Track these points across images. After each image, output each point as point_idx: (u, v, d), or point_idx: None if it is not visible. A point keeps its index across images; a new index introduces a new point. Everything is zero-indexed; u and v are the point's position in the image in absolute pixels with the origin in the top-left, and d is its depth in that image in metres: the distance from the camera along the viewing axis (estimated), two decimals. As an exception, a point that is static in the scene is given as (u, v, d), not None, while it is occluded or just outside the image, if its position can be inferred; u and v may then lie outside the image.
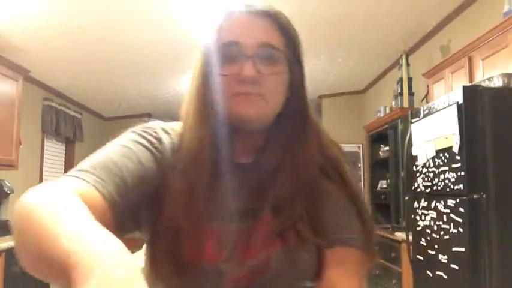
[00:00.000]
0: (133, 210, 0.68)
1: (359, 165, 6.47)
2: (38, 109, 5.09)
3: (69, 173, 0.66)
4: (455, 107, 2.26)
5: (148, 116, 7.17)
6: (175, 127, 0.80)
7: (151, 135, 0.76)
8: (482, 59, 2.71)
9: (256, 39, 0.73)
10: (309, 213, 0.74)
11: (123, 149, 0.71)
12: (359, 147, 6.45)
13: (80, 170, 0.66)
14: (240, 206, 0.74)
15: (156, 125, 0.80)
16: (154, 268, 0.55)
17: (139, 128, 0.78)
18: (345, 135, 6.49)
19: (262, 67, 0.72)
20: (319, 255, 0.75)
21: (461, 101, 2.24)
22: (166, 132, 0.78)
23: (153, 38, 4.01)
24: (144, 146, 0.73)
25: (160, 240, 0.70)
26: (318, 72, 5.31)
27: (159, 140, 0.75)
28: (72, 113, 5.84)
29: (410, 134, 2.85)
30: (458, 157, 2.24)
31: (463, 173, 2.21)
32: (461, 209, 2.21)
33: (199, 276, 0.70)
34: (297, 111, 0.78)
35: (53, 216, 0.50)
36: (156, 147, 0.74)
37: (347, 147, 6.48)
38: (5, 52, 3.87)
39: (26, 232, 0.53)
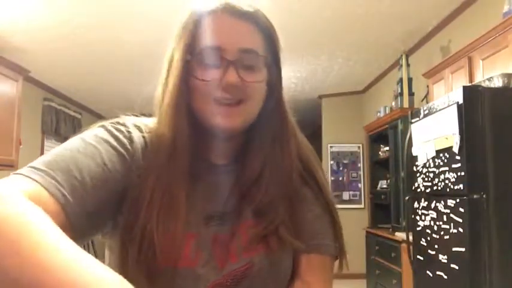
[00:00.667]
0: (94, 214, 0.62)
1: (359, 165, 6.47)
2: (38, 109, 5.09)
3: (22, 170, 0.60)
4: (455, 107, 2.26)
5: (148, 116, 7.16)
6: (149, 123, 0.76)
7: (122, 133, 0.70)
8: (482, 59, 2.71)
9: (239, 44, 0.70)
10: (289, 218, 0.74)
11: (88, 147, 0.65)
12: (359, 147, 6.45)
13: (34, 168, 0.61)
14: (217, 208, 0.73)
15: (128, 120, 0.75)
16: (126, 276, 0.47)
17: (109, 123, 0.72)
18: (345, 135, 6.50)
19: (245, 74, 0.69)
20: (294, 259, 0.75)
21: (461, 101, 2.24)
22: (139, 130, 0.73)
23: (153, 38, 4.01)
24: (112, 146, 0.67)
25: (132, 246, 0.65)
26: (318, 72, 5.32)
27: (130, 139, 0.70)
28: (72, 113, 5.84)
29: (410, 134, 2.85)
30: (458, 157, 2.24)
31: (463, 173, 2.21)
32: (461, 209, 2.21)
33: (176, 281, 0.67)
34: (275, 112, 0.76)
35: (23, 233, 0.45)
36: (126, 148, 0.69)
37: (347, 147, 6.49)
38: (5, 52, 3.87)
39: None
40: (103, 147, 0.66)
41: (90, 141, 0.66)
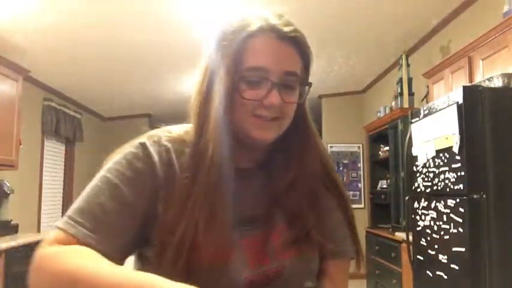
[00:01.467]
0: (124, 242, 0.72)
1: (359, 165, 6.47)
2: (38, 109, 5.09)
3: (60, 222, 0.71)
4: (455, 107, 2.26)
5: (148, 116, 7.17)
6: (176, 132, 0.82)
7: (140, 159, 0.76)
8: (482, 59, 2.71)
9: (283, 67, 0.74)
10: (321, 227, 0.80)
11: (111, 188, 0.74)
12: (359, 147, 6.45)
13: (69, 218, 0.72)
14: (246, 212, 0.77)
15: (149, 138, 0.80)
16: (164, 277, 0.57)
17: (129, 150, 0.79)
18: (345, 135, 6.50)
19: (285, 94, 0.75)
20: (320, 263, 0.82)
21: (461, 101, 2.24)
22: (159, 144, 0.78)
23: (153, 38, 4.01)
24: (132, 179, 0.74)
25: (170, 249, 0.70)
26: (318, 72, 5.31)
27: (148, 162, 0.76)
28: (72, 113, 5.84)
29: (410, 134, 2.85)
30: (458, 157, 2.24)
31: (463, 173, 2.21)
32: (461, 209, 2.21)
33: (211, 281, 0.69)
34: (302, 123, 0.82)
35: (79, 263, 0.63)
36: (145, 174, 0.75)
37: (347, 147, 6.49)
38: (5, 52, 3.87)
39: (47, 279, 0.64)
40: (125, 184, 0.74)
41: (114, 180, 0.74)
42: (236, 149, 0.77)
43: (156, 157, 0.76)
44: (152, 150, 0.77)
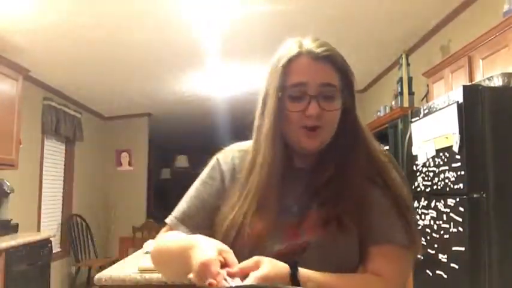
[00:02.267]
0: (203, 225, 1.00)
1: (359, 164, 6.46)
2: (38, 109, 5.09)
3: (171, 220, 1.03)
4: (455, 106, 2.26)
5: (149, 115, 7.17)
6: (248, 146, 1.02)
7: (214, 169, 1.04)
8: (482, 59, 2.71)
9: (319, 80, 0.90)
10: (358, 216, 0.89)
11: (197, 190, 1.04)
12: (359, 146, 6.44)
13: (172, 216, 1.03)
14: (292, 202, 0.93)
15: (222, 152, 1.07)
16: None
17: (213, 160, 1.07)
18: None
19: (324, 104, 0.89)
20: (365, 250, 0.90)
21: (461, 100, 2.24)
22: (228, 155, 1.05)
23: (153, 37, 4.01)
24: (208, 184, 1.03)
25: (218, 237, 0.91)
26: (318, 71, 5.31)
27: (218, 170, 1.03)
28: (72, 113, 5.84)
29: (410, 134, 2.85)
30: (458, 156, 2.24)
31: (463, 172, 2.21)
32: (461, 209, 2.21)
33: (247, 250, 0.87)
34: (349, 131, 0.94)
35: (163, 239, 1.00)
36: (216, 179, 1.03)
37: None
38: (5, 52, 3.87)
39: (161, 258, 1.00)
40: (202, 186, 1.04)
41: (197, 184, 1.05)
42: (291, 153, 0.95)
43: (224, 166, 1.03)
44: (222, 161, 1.03)
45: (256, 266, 0.79)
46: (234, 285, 0.73)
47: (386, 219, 0.90)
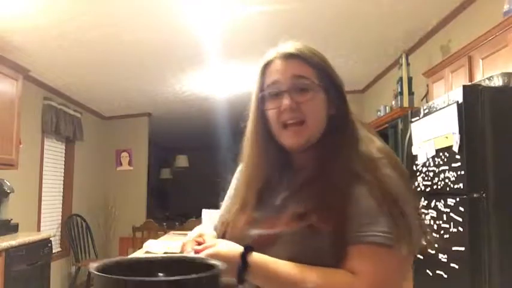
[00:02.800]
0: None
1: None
2: (38, 108, 5.09)
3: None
4: (455, 106, 2.26)
5: (149, 115, 7.17)
6: None
7: (235, 175, 1.13)
8: (482, 59, 2.71)
9: (290, 73, 0.93)
10: (337, 215, 0.86)
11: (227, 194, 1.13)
12: (359, 146, 6.44)
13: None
14: (279, 200, 0.96)
15: None
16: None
17: None
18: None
19: (298, 96, 0.92)
20: (345, 250, 0.86)
21: (461, 100, 2.24)
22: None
23: (153, 37, 4.01)
24: (229, 189, 1.13)
25: (217, 233, 1.04)
26: (318, 71, 5.31)
27: (235, 179, 1.12)
28: (72, 113, 5.84)
29: (410, 133, 2.85)
30: (458, 156, 2.25)
31: (463, 172, 2.21)
32: (461, 208, 2.21)
33: (240, 237, 0.95)
34: (337, 127, 0.95)
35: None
36: (232, 185, 1.12)
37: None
38: (5, 51, 3.87)
39: None
40: (229, 192, 1.13)
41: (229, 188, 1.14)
42: (287, 153, 0.97)
43: (236, 174, 1.11)
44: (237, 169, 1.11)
45: (213, 245, 0.89)
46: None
47: (367, 217, 0.85)
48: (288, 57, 0.95)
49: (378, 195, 0.85)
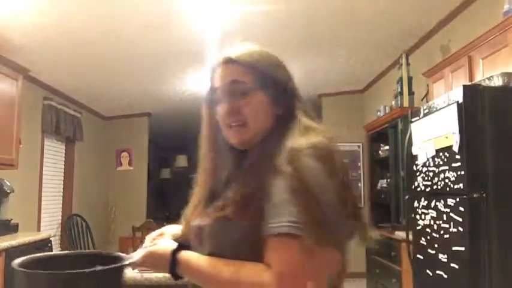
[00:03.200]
0: None
1: (359, 164, 6.47)
2: (38, 108, 5.09)
3: None
4: (455, 106, 2.26)
5: (149, 115, 7.17)
6: None
7: None
8: (482, 58, 2.71)
9: (227, 79, 0.98)
10: (252, 206, 0.88)
11: None
12: (359, 146, 6.45)
13: None
14: (221, 196, 0.98)
15: None
16: None
17: None
18: (345, 135, 6.50)
19: (237, 101, 0.96)
20: (262, 241, 0.85)
21: (461, 100, 2.24)
22: None
23: (153, 37, 4.01)
24: None
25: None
26: (318, 71, 5.31)
27: None
28: (72, 112, 5.83)
29: (410, 133, 2.85)
30: (458, 156, 2.24)
31: (463, 172, 2.21)
32: (461, 208, 2.21)
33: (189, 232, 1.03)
34: (282, 123, 0.96)
35: None
36: None
37: (347, 146, 6.49)
38: (5, 51, 3.87)
39: None
40: None
41: None
42: (243, 151, 1.00)
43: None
44: None
45: (153, 245, 1.00)
46: (135, 257, 0.98)
47: (278, 208, 0.83)
48: (228, 62, 0.99)
49: (292, 186, 0.83)
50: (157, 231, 1.13)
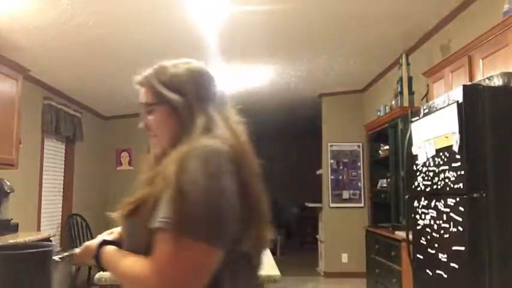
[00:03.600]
0: None
1: (359, 164, 6.47)
2: (38, 108, 5.09)
3: None
4: (455, 106, 2.26)
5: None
6: None
7: None
8: (482, 58, 2.71)
9: (140, 101, 1.15)
10: (142, 204, 0.98)
11: None
12: (359, 146, 6.45)
13: None
14: None
15: None
16: None
17: None
18: (345, 134, 6.50)
19: (146, 118, 1.12)
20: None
21: (461, 100, 2.24)
22: None
23: (153, 37, 4.01)
24: None
25: None
26: (318, 71, 5.31)
27: None
28: (72, 112, 5.83)
29: (410, 133, 2.85)
30: (458, 156, 2.25)
31: (463, 172, 2.21)
32: (461, 208, 2.21)
33: None
34: (186, 132, 1.03)
35: None
36: None
37: (347, 146, 6.49)
38: (5, 51, 3.87)
39: None
40: None
41: None
42: None
43: None
44: None
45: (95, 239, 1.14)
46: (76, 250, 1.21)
47: (159, 206, 0.92)
48: (138, 84, 1.17)
49: (173, 186, 0.90)
50: (109, 230, 1.26)
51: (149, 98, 1.12)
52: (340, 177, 6.49)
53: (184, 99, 1.06)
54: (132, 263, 0.95)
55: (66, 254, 1.04)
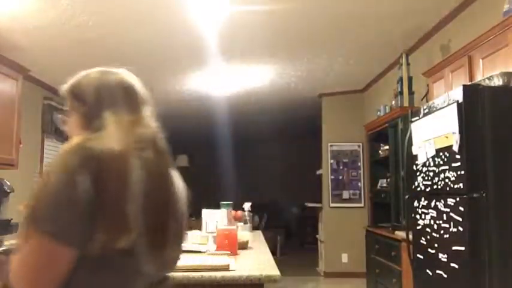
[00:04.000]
0: None
1: (359, 164, 6.47)
2: (38, 108, 5.09)
3: None
4: (455, 106, 2.26)
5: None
6: None
7: None
8: (482, 58, 2.71)
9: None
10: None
11: None
12: (359, 146, 6.45)
13: None
14: None
15: None
16: None
17: None
18: (345, 134, 6.50)
19: (66, 124, 1.24)
20: None
21: (461, 100, 2.24)
22: None
23: (153, 37, 4.01)
24: None
25: None
26: (318, 71, 5.31)
27: None
28: (72, 112, 5.83)
29: (410, 133, 2.85)
30: (458, 156, 2.24)
31: (463, 172, 2.21)
32: (461, 208, 2.21)
33: None
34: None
35: None
36: None
37: (347, 146, 6.49)
38: (5, 51, 3.87)
39: None
40: None
41: None
42: None
43: None
44: None
45: None
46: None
47: None
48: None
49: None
50: None
51: (67, 105, 1.25)
52: (340, 177, 6.49)
53: (86, 107, 1.18)
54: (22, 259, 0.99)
55: None
